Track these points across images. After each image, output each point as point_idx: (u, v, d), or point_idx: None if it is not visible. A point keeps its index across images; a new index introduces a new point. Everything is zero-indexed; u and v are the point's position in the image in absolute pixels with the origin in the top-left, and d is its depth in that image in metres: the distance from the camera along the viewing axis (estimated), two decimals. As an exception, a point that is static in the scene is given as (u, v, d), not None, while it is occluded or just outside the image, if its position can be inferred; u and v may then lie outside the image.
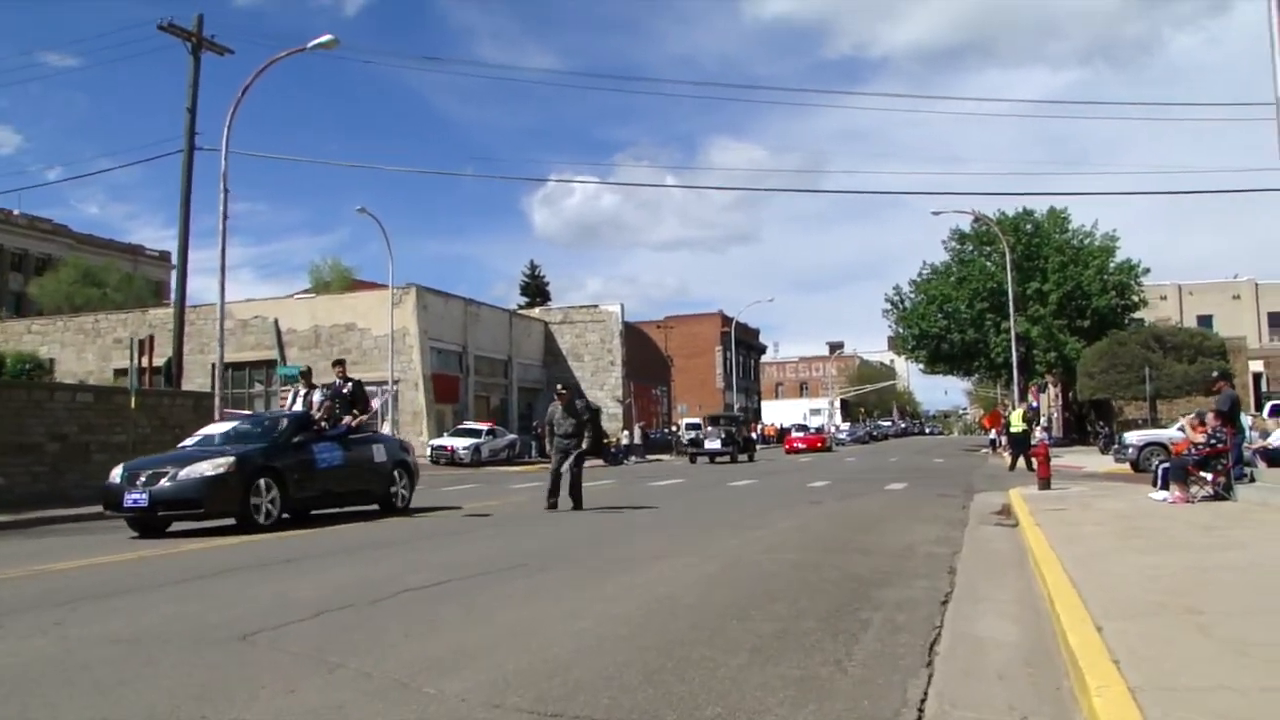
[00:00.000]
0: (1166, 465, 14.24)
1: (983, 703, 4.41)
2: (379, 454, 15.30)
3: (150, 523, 12.58)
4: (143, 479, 12.38)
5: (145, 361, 26.50)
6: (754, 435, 57.20)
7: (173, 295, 26.71)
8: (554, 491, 15.00)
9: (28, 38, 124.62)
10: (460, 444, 40.86)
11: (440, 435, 43.43)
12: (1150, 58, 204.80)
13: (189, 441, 14.40)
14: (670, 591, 7.42)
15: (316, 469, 13.83)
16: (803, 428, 68.13)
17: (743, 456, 42.73)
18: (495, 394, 54.49)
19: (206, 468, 12.38)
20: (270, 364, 41.78)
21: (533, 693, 4.45)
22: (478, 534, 12.40)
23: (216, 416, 21.08)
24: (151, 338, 28.33)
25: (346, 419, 14.88)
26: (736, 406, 75.93)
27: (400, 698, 4.41)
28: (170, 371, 25.32)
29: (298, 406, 15.46)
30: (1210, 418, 14.18)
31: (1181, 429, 16.92)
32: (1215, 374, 15.67)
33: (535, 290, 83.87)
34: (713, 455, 41.94)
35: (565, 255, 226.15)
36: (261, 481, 12.78)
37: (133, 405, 20.09)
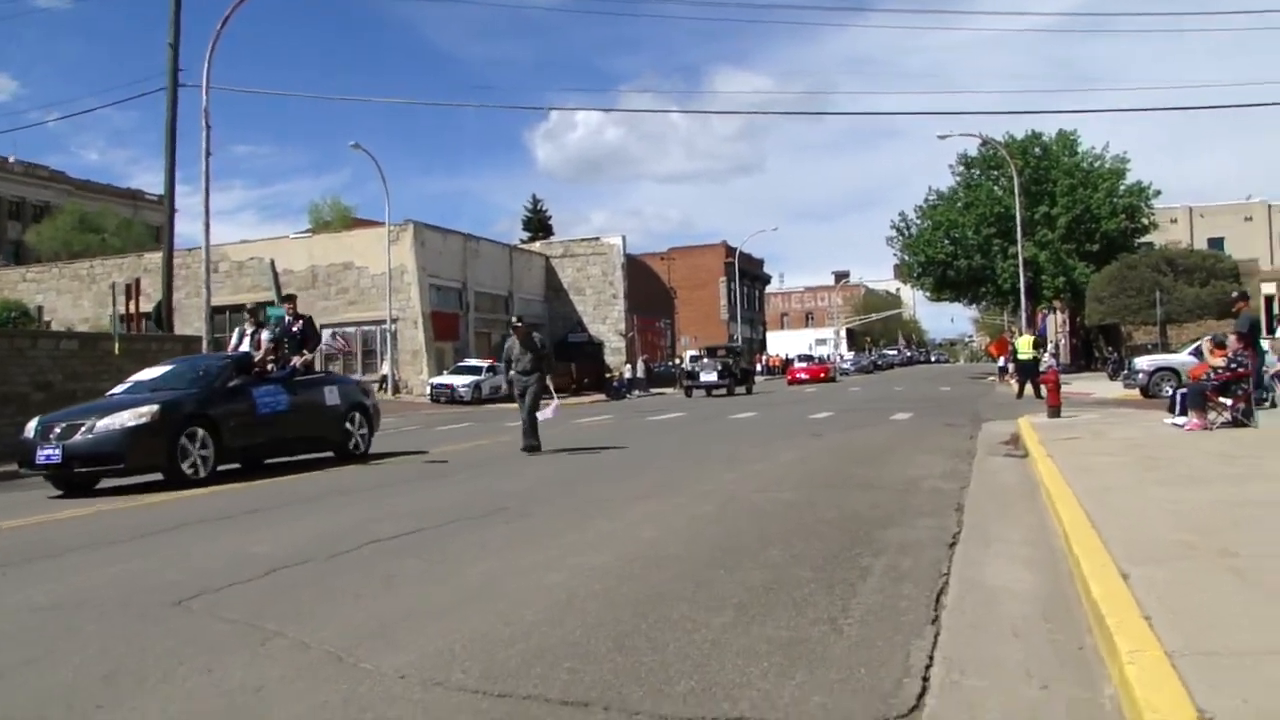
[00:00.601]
0: (1184, 391, 13.65)
1: (995, 666, 3.87)
2: (331, 396, 14.20)
3: (71, 480, 11.47)
4: (57, 431, 11.24)
5: (134, 306, 26.02)
6: (754, 367, 56.58)
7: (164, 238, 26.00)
8: (530, 432, 14.18)
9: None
10: (460, 382, 40.41)
11: (440, 373, 42.96)
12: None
13: (119, 388, 13.23)
14: (655, 536, 6.92)
15: (257, 415, 12.70)
16: (806, 358, 67.28)
17: (740, 389, 42.12)
18: (496, 330, 53.76)
19: (127, 418, 11.23)
20: (268, 305, 41.14)
21: (482, 666, 3.92)
22: (452, 479, 11.69)
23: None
24: (139, 281, 27.84)
25: (295, 359, 13.92)
26: (741, 338, 75.36)
27: (331, 674, 3.89)
28: (160, 315, 24.72)
29: (245, 347, 14.30)
30: (1232, 340, 13.55)
31: (1197, 352, 16.30)
32: (1235, 294, 14.98)
33: (538, 225, 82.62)
34: (709, 388, 41.31)
35: (569, 190, 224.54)
36: (191, 431, 11.61)
37: (116, 351, 19.58)
